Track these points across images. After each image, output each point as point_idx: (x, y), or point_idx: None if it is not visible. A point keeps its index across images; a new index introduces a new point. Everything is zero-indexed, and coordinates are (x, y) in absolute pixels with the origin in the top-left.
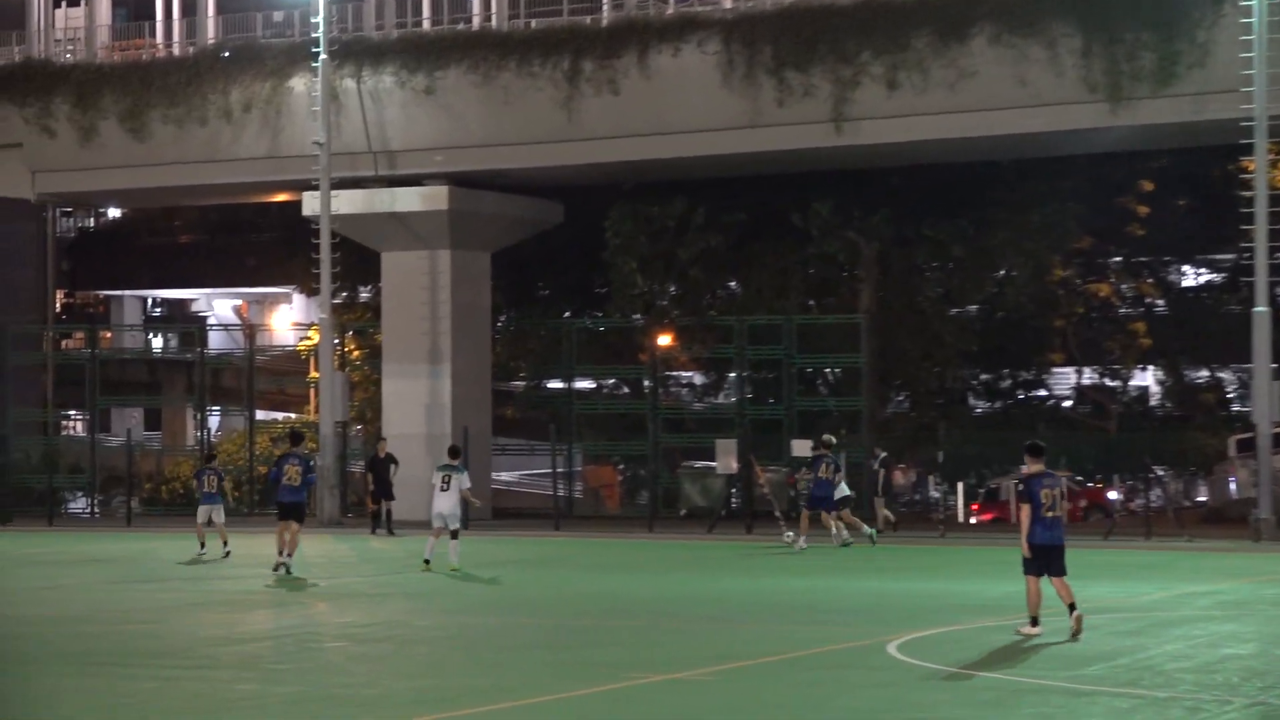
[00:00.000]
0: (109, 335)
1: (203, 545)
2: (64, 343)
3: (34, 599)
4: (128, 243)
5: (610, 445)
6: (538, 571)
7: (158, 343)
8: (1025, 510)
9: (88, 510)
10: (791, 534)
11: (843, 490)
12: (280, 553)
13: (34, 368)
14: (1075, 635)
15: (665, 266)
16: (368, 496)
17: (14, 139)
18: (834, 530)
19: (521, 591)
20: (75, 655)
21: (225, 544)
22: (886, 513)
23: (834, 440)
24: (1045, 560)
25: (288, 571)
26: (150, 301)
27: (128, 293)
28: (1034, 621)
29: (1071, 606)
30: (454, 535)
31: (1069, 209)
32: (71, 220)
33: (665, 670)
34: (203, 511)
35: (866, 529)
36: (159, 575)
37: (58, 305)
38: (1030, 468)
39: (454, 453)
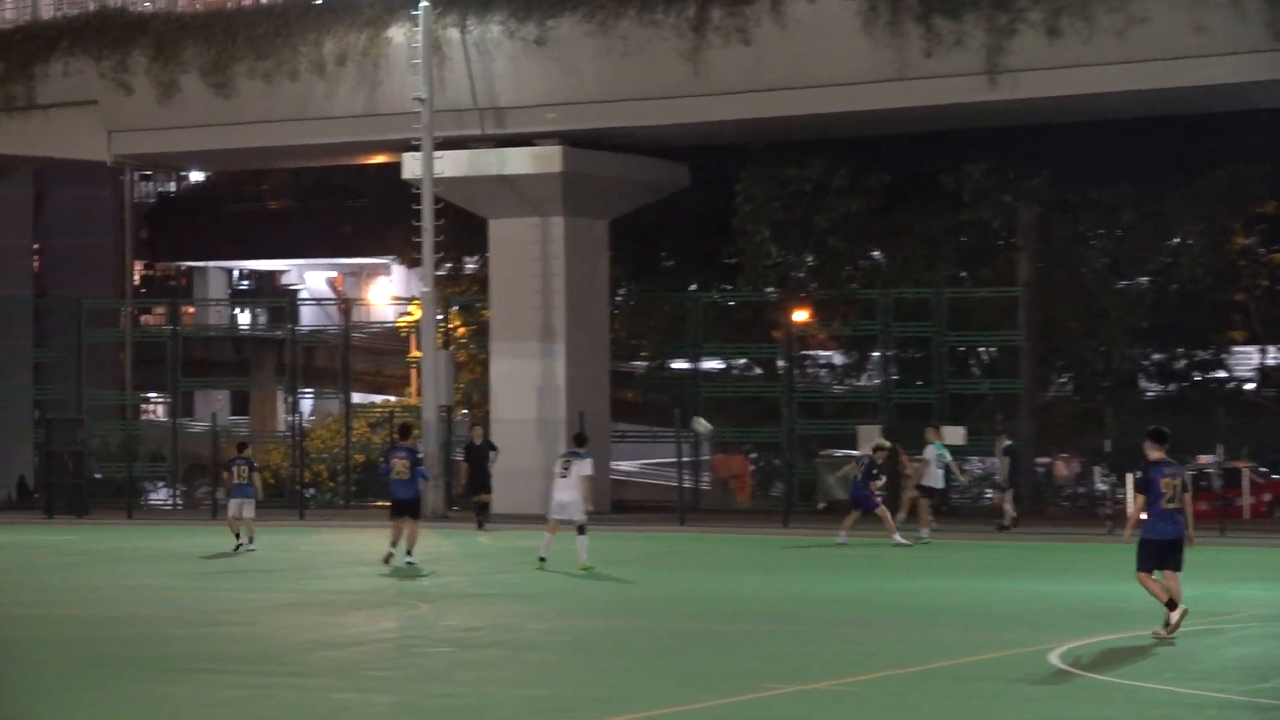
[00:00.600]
0: (192, 310)
1: (239, 538)
2: (143, 318)
3: (113, 598)
4: (212, 209)
5: (741, 432)
6: (661, 570)
7: (245, 319)
8: (1140, 500)
9: (169, 502)
10: (925, 531)
11: (936, 479)
12: (393, 544)
13: (111, 346)
14: (1171, 633)
15: (801, 235)
16: (464, 487)
17: (89, 96)
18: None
19: (643, 592)
20: (159, 660)
21: (251, 539)
22: (1009, 508)
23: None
24: (1163, 555)
25: (410, 565)
26: (237, 273)
27: (212, 264)
28: (1171, 606)
29: (1173, 604)
30: (580, 530)
31: (1251, 170)
32: (151, 185)
33: (801, 680)
34: (234, 505)
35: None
36: (248, 572)
37: (136, 277)
38: (1151, 455)
39: (579, 440)
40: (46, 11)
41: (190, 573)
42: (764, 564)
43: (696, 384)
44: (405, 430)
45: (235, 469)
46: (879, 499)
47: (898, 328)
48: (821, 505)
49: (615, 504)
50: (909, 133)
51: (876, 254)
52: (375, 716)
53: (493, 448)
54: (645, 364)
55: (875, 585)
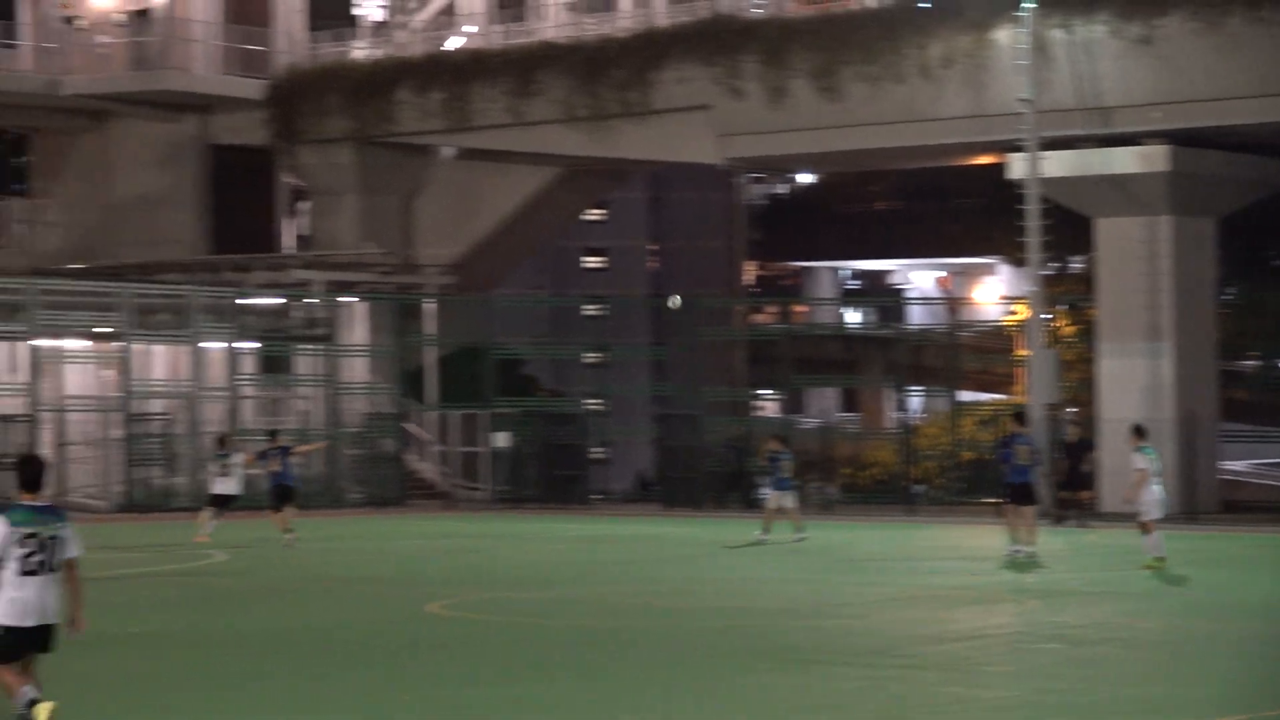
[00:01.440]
0: (802, 309)
1: (766, 532)
2: (755, 317)
3: (730, 590)
4: (820, 211)
5: None
6: (1275, 572)
7: (854, 317)
8: None
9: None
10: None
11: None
12: (1012, 541)
13: (725, 344)
14: None
15: None
16: (1058, 484)
17: (701, 101)
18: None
19: (1258, 595)
20: (776, 651)
21: (799, 529)
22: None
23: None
24: None
25: (1019, 554)
26: (846, 273)
27: (821, 264)
28: None
29: None
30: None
31: None
32: (762, 187)
33: None
34: (774, 497)
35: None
36: (862, 567)
37: (749, 277)
38: None
39: (1139, 432)
40: (661, 21)
41: (804, 566)
42: None
43: None
44: (1023, 417)
45: (782, 462)
46: None
47: None
48: None
49: (1226, 504)
50: None
51: None
52: (985, 710)
53: (1090, 447)
54: (1255, 363)
55: None
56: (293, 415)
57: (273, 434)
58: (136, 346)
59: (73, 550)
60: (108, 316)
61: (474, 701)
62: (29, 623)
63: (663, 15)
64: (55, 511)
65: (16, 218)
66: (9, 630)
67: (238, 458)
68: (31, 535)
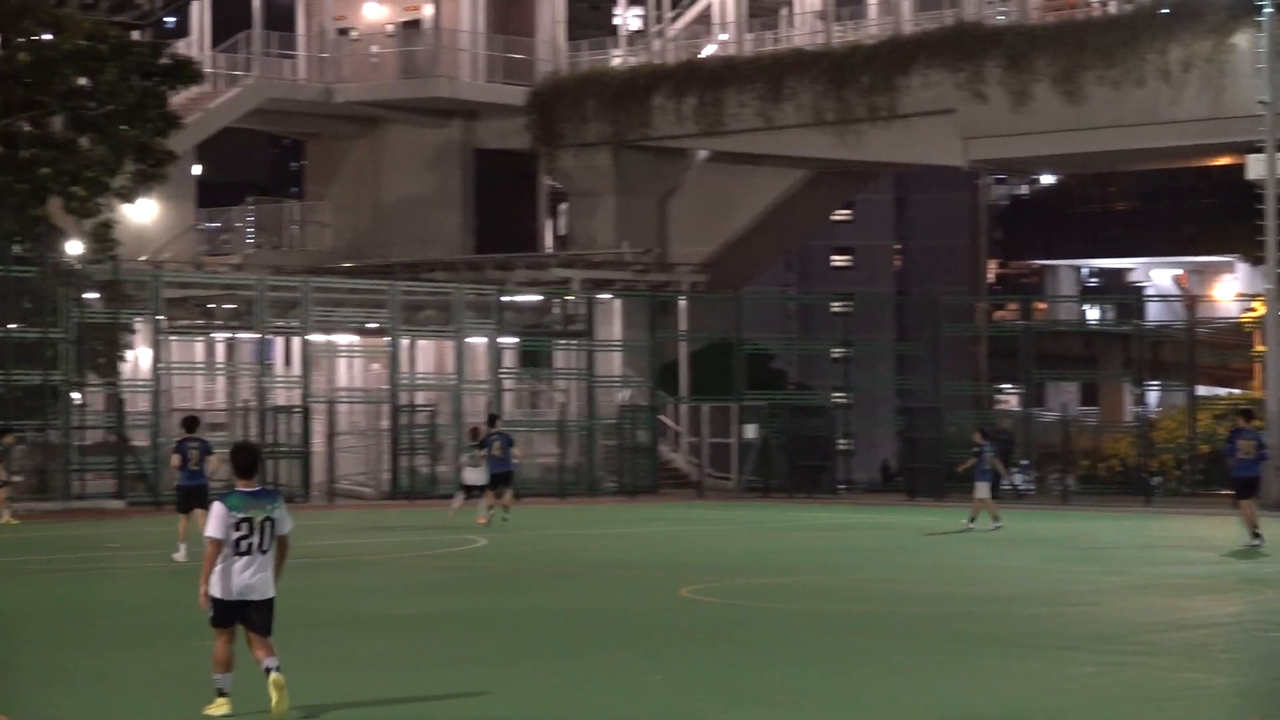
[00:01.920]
0: (1043, 306)
1: (972, 522)
2: (996, 314)
3: (970, 577)
4: (1061, 210)
5: None
6: None
7: (1093, 314)
8: None
9: (1019, 488)
10: None
11: None
12: (1250, 533)
13: (966, 340)
14: None
15: None
16: None
17: (946, 105)
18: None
19: None
20: (1012, 637)
21: (995, 518)
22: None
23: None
24: None
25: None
26: (1085, 271)
27: (1062, 262)
28: None
29: None
30: None
31: None
32: (1003, 188)
33: None
34: (980, 488)
35: None
36: (1100, 556)
37: (990, 275)
38: None
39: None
40: (907, 28)
41: (1043, 555)
42: None
43: None
44: (1248, 414)
45: (985, 454)
46: None
47: None
48: None
49: None
50: None
51: None
52: (1219, 696)
53: None
54: None
55: None
56: (552, 408)
57: (492, 419)
58: (403, 341)
59: (285, 527)
60: (377, 313)
61: (723, 685)
62: (236, 597)
63: (909, 22)
64: (269, 494)
65: (292, 219)
66: (217, 602)
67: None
68: (245, 519)
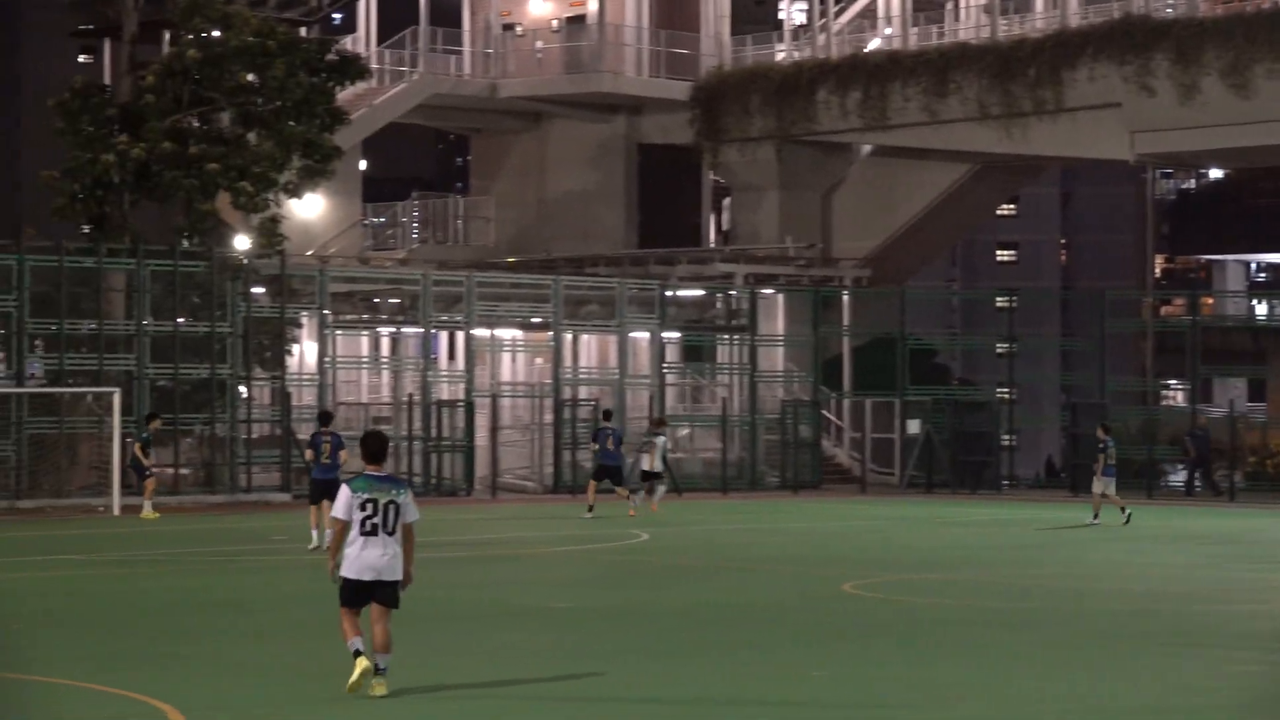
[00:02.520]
0: (1210, 301)
1: (1096, 518)
2: (1163, 309)
3: (1133, 575)
4: (1229, 205)
5: None
6: None
7: (1261, 310)
8: None
9: (1187, 484)
10: None
11: None
12: None
13: (1132, 335)
14: None
15: None
16: None
17: (1112, 99)
18: None
19: None
20: (1174, 634)
21: (1123, 510)
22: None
23: None
24: None
25: None
26: (1253, 266)
27: (1229, 257)
28: None
29: None
30: None
31: None
32: (1170, 182)
33: None
34: (1099, 483)
35: None
36: (1266, 554)
37: (1157, 270)
38: None
39: None
40: (1073, 21)
41: (1208, 553)
42: None
43: None
44: None
45: (1109, 449)
46: None
47: None
48: None
49: None
50: None
51: None
52: None
53: None
54: None
55: None
56: (714, 403)
57: (607, 414)
58: (566, 336)
59: (410, 515)
60: (540, 308)
61: (878, 682)
62: (364, 577)
63: (1075, 15)
64: (395, 481)
65: (457, 214)
66: (346, 581)
67: (659, 440)
68: (370, 501)
